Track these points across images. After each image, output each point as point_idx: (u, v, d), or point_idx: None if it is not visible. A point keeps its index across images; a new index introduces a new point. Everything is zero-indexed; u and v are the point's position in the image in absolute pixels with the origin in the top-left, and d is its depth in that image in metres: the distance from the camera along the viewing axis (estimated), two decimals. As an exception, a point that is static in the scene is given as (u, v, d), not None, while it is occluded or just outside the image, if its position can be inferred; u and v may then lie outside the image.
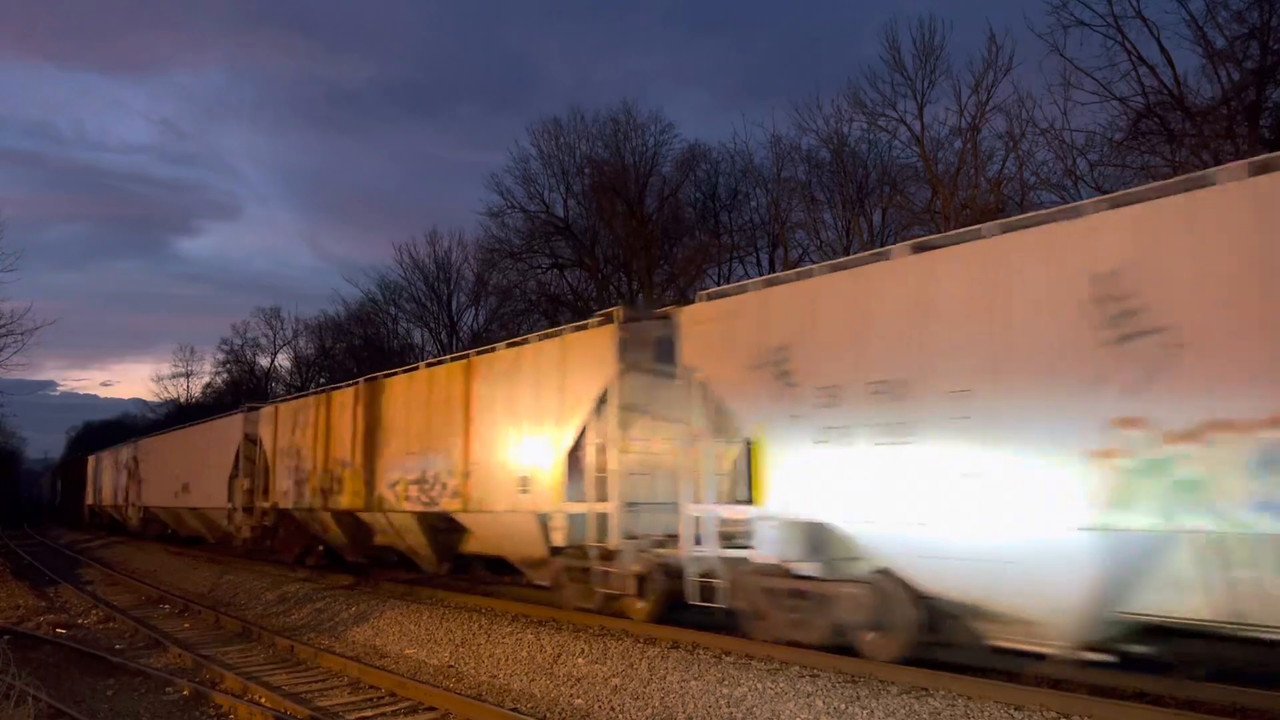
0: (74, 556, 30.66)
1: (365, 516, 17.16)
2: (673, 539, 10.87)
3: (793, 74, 78.38)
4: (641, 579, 11.27)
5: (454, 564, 15.99)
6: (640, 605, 11.37)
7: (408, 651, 11.73)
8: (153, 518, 32.22)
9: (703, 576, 10.19)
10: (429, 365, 15.86)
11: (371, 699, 9.55)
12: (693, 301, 10.95)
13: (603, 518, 11.54)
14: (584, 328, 12.30)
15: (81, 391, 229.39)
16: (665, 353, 11.26)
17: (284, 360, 59.45)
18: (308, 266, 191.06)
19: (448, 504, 14.38)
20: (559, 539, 12.19)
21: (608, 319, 11.88)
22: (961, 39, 54.13)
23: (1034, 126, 21.42)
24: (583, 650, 10.20)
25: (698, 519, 10.25)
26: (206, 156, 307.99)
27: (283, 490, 20.25)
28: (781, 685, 8.19)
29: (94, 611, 16.62)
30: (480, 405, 13.92)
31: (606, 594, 11.66)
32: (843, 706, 7.57)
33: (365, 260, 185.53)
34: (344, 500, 17.49)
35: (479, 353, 14.48)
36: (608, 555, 11.53)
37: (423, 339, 44.02)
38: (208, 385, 65.27)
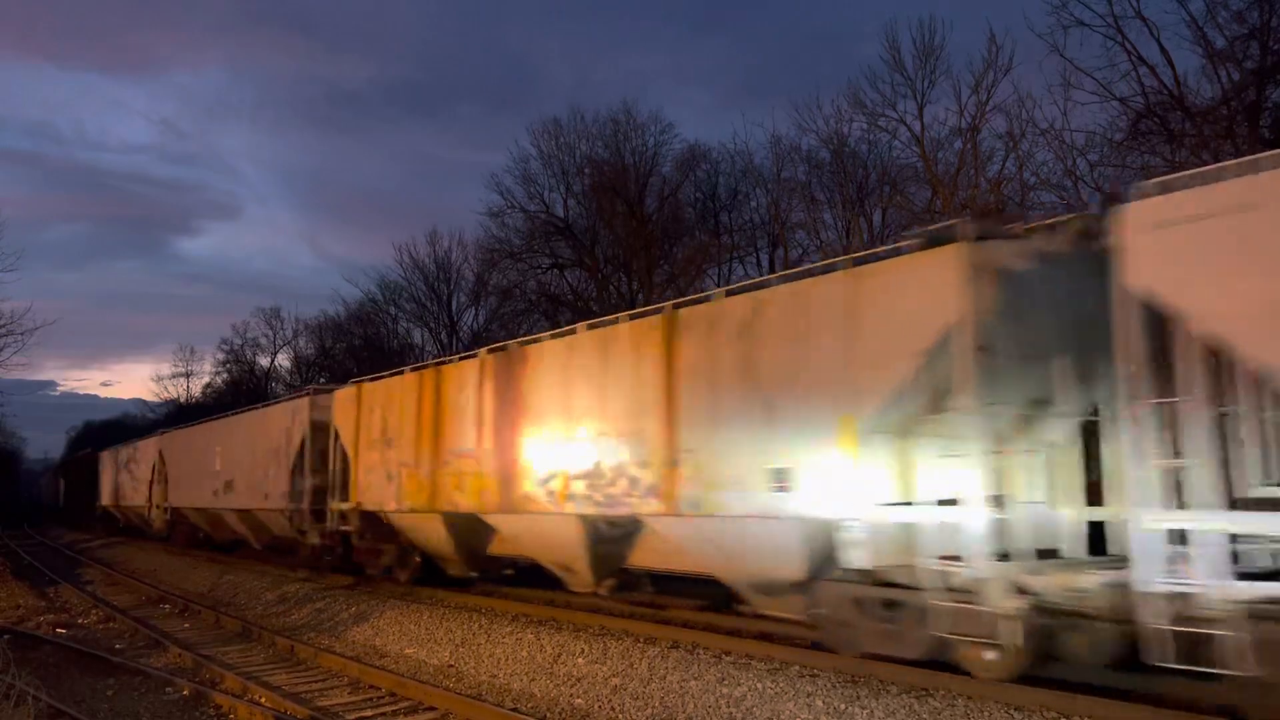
0: (74, 556, 30.67)
1: (496, 520, 13.93)
2: (1051, 555, 8.36)
3: (793, 74, 78.61)
4: (1017, 622, 7.76)
5: (618, 581, 12.79)
6: (1003, 658, 7.71)
7: (408, 651, 11.73)
8: (182, 520, 28.44)
9: (1183, 625, 6.64)
10: (591, 326, 12.69)
11: (371, 699, 9.56)
12: (1127, 200, 7.26)
13: (950, 529, 8.18)
14: (896, 252, 9.00)
15: (81, 391, 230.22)
16: (1035, 285, 8.36)
17: (284, 360, 59.59)
18: (308, 266, 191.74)
19: (640, 505, 11.03)
20: (860, 557, 8.83)
21: (935, 237, 8.49)
22: (961, 39, 54.10)
23: (1034, 127, 21.39)
24: (583, 650, 10.20)
25: (1175, 534, 6.85)
26: (206, 156, 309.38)
27: (369, 488, 16.74)
28: (781, 685, 8.19)
29: (94, 611, 16.64)
30: (694, 373, 10.63)
31: (943, 639, 8.11)
32: (843, 706, 7.57)
33: (365, 260, 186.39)
34: (465, 500, 14.13)
35: (679, 304, 11.21)
36: (958, 585, 8.08)
37: (423, 339, 44.23)
38: (208, 385, 65.48)
